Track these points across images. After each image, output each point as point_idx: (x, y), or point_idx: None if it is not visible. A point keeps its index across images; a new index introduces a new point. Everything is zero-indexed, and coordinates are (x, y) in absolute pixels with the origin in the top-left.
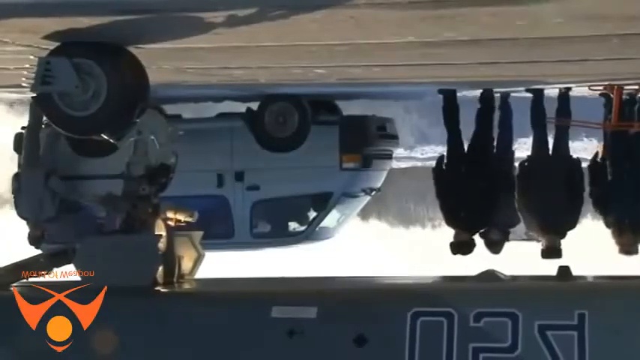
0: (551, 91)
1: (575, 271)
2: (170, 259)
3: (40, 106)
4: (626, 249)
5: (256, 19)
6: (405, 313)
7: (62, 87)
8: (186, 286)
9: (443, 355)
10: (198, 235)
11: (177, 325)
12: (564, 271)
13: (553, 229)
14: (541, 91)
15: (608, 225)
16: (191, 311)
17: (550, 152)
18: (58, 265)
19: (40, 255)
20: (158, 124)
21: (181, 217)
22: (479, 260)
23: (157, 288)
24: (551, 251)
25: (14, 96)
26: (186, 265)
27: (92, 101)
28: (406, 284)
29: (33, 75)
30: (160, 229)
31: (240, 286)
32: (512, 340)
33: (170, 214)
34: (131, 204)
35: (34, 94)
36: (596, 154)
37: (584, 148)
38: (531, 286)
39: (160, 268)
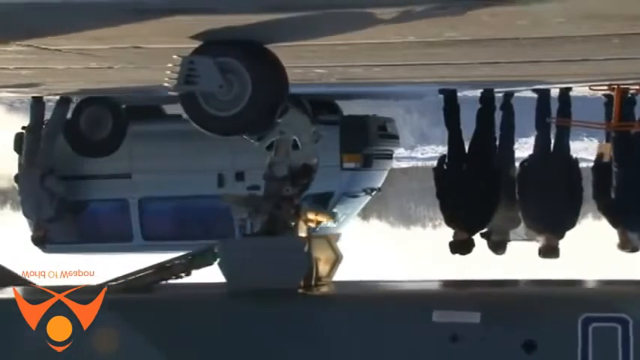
0: (553, 91)
1: (575, 271)
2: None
3: (182, 105)
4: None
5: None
6: (575, 318)
7: (206, 86)
8: (329, 289)
9: None
10: (335, 236)
11: (329, 329)
12: None
13: (551, 229)
14: (547, 91)
15: (615, 225)
16: (344, 315)
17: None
18: (198, 267)
19: (180, 256)
20: (301, 124)
21: (322, 218)
22: (479, 260)
23: (302, 291)
24: (549, 251)
25: (14, 96)
26: (323, 267)
27: (236, 101)
28: (575, 289)
29: (176, 75)
30: (302, 231)
31: (387, 290)
32: None
33: (311, 216)
34: (274, 205)
35: (178, 93)
36: (601, 154)
37: (585, 148)
38: None
39: None
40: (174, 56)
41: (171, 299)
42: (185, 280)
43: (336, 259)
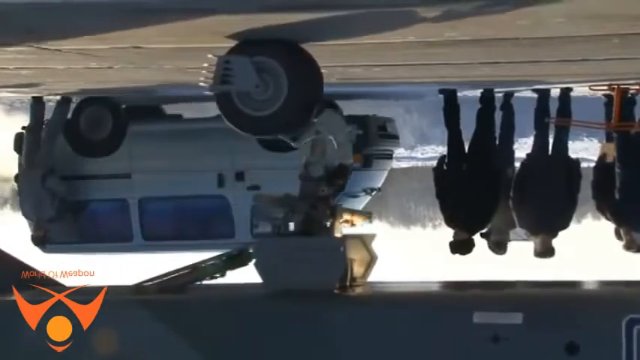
0: (553, 91)
1: (574, 271)
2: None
3: (218, 105)
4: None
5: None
6: (619, 320)
7: (242, 86)
8: (365, 290)
9: None
10: (370, 237)
11: (366, 330)
12: None
13: (545, 229)
14: (547, 91)
15: (619, 224)
16: (382, 316)
17: (549, 152)
18: (233, 268)
19: (215, 257)
20: (337, 124)
21: (358, 219)
22: (479, 260)
23: (337, 292)
24: (544, 250)
25: (14, 96)
26: (358, 268)
27: (272, 100)
28: (619, 289)
29: (211, 74)
30: (338, 232)
31: (424, 290)
32: None
33: (346, 216)
34: (310, 205)
35: (213, 93)
36: (604, 155)
37: (585, 148)
38: None
39: None
40: (210, 56)
41: (208, 300)
42: (220, 280)
43: (371, 260)
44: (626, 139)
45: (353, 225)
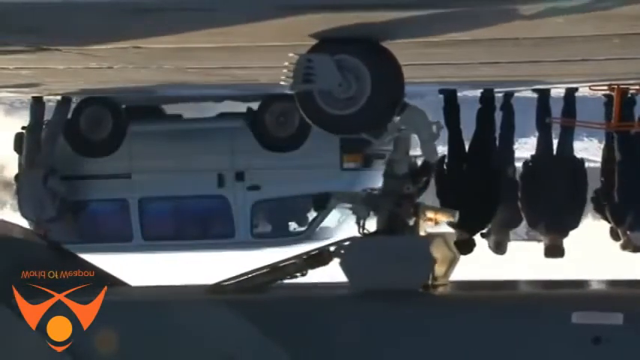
0: (553, 91)
1: (574, 271)
2: None
3: (299, 104)
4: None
5: (257, 19)
6: None
7: (324, 85)
8: (450, 289)
9: None
10: (452, 235)
11: (456, 331)
12: None
13: (556, 229)
14: (547, 91)
15: (619, 224)
16: (473, 316)
17: (554, 152)
18: (314, 267)
19: (295, 256)
20: (420, 121)
21: (443, 217)
22: (480, 260)
23: (422, 291)
24: (554, 250)
25: (14, 96)
26: (440, 267)
27: (354, 99)
28: None
29: (291, 73)
30: (422, 230)
31: (515, 290)
32: None
33: (430, 214)
34: (394, 203)
35: (295, 92)
36: (608, 155)
37: (585, 148)
38: None
39: None
40: (290, 54)
41: (294, 299)
42: (300, 280)
43: (453, 259)
44: (626, 139)
45: (437, 223)
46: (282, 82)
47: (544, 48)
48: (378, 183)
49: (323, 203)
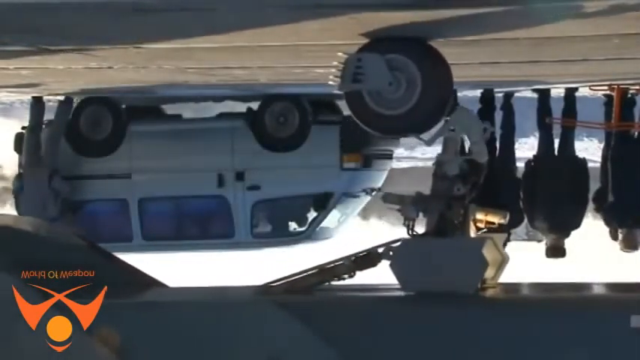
0: (554, 91)
1: (574, 271)
2: None
3: (348, 104)
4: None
5: (258, 20)
6: None
7: (374, 84)
8: (501, 291)
9: None
10: (501, 237)
11: (511, 334)
12: None
13: (558, 229)
14: (547, 90)
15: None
16: (529, 320)
17: (556, 152)
18: (362, 269)
19: (344, 257)
20: (470, 122)
21: (494, 218)
22: None
23: (475, 294)
24: (556, 250)
25: (14, 96)
26: (490, 269)
27: (404, 99)
28: None
29: (340, 73)
30: (472, 232)
31: (568, 292)
32: None
33: (480, 216)
34: (445, 205)
35: (344, 92)
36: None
37: (585, 148)
38: None
39: None
40: (339, 54)
41: (345, 300)
42: (348, 281)
43: (503, 261)
44: (625, 139)
45: (488, 224)
46: (330, 82)
47: (544, 48)
48: (378, 183)
49: (323, 203)
